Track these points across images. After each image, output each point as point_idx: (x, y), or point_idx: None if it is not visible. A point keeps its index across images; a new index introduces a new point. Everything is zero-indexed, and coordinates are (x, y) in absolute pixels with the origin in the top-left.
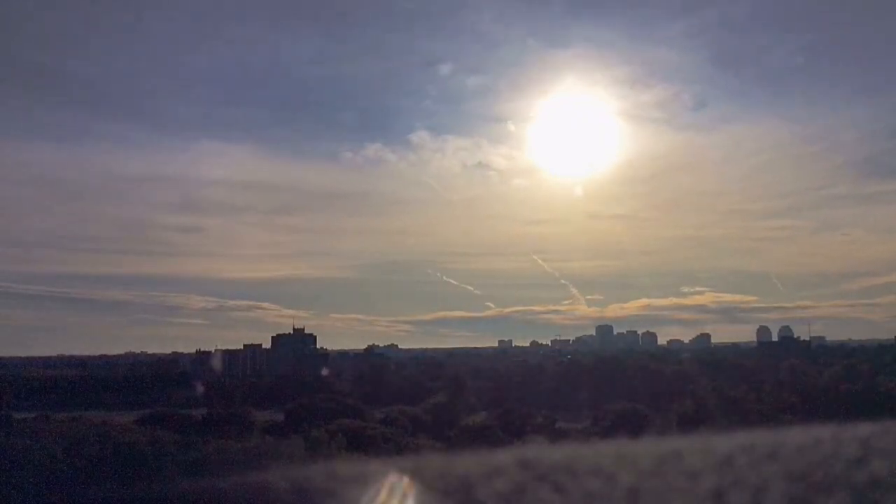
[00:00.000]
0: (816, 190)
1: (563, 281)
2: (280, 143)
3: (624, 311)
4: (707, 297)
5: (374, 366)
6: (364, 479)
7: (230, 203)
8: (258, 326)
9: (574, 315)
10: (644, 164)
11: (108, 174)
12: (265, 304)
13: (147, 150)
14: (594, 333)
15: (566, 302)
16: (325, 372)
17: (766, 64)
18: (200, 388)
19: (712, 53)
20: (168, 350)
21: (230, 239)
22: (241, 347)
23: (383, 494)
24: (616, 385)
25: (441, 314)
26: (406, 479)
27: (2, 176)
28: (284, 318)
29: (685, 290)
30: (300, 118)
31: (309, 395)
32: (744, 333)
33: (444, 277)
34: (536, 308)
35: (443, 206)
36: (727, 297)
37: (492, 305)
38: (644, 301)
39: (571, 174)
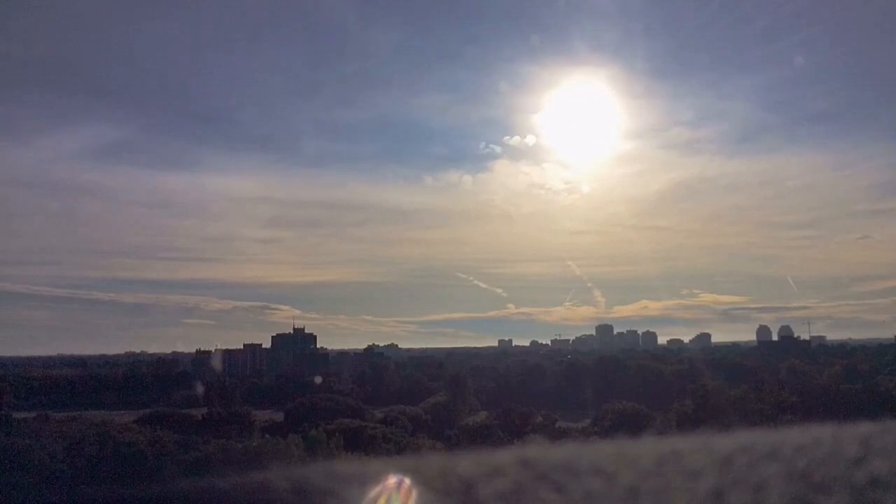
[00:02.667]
0: (839, 205)
1: (588, 284)
2: (375, 172)
3: (629, 311)
4: (715, 299)
5: (374, 366)
6: (364, 478)
7: (313, 218)
8: (268, 327)
9: (579, 315)
10: (691, 186)
11: (217, 196)
12: (278, 306)
13: (257, 176)
14: (594, 333)
15: (568, 304)
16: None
17: (808, 108)
18: (200, 388)
19: (764, 102)
20: (169, 350)
21: (299, 248)
22: (242, 347)
23: (383, 494)
24: (616, 385)
25: (447, 315)
26: (406, 479)
27: (128, 199)
28: (287, 319)
29: (696, 291)
30: (402, 152)
31: (309, 395)
32: (744, 333)
33: (474, 280)
34: (553, 309)
35: (500, 220)
36: (736, 299)
37: (513, 307)
38: (654, 302)
39: (624, 195)
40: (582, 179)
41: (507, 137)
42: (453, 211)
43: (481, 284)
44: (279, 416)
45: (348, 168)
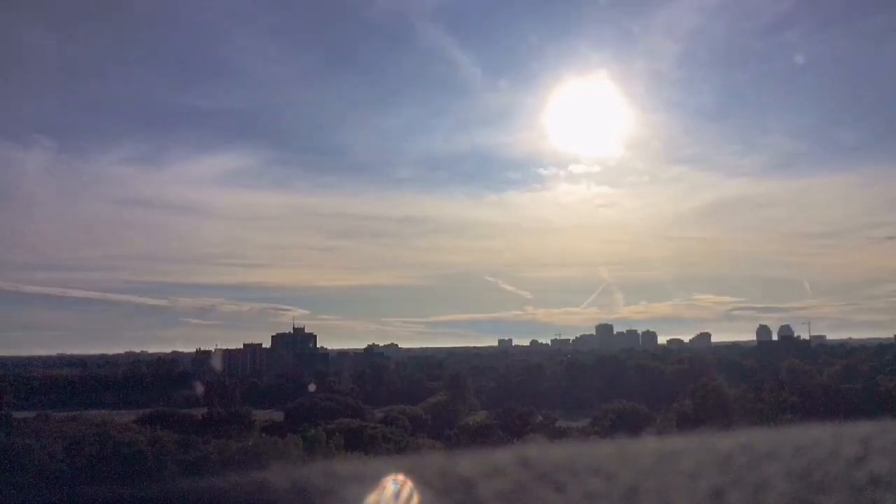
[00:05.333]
0: (860, 217)
1: (612, 287)
2: (446, 192)
3: (630, 311)
4: (716, 299)
5: (374, 365)
6: (364, 478)
7: (378, 230)
8: (280, 328)
9: (581, 316)
10: (729, 203)
11: (300, 210)
12: (290, 308)
13: (342, 195)
14: (594, 333)
15: (584, 306)
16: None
17: (838, 140)
18: (200, 388)
19: (799, 136)
20: (169, 349)
21: (350, 256)
22: (241, 347)
23: (383, 494)
24: (616, 385)
25: (458, 316)
26: (406, 479)
27: (214, 214)
28: (286, 319)
29: (695, 293)
30: (476, 177)
31: (308, 395)
32: (744, 333)
33: (501, 283)
34: (554, 310)
35: (545, 232)
36: (737, 299)
37: (532, 308)
38: (654, 303)
39: (666, 210)
40: (630, 197)
41: (574, 165)
42: (504, 223)
43: (508, 287)
44: (279, 416)
45: (424, 189)
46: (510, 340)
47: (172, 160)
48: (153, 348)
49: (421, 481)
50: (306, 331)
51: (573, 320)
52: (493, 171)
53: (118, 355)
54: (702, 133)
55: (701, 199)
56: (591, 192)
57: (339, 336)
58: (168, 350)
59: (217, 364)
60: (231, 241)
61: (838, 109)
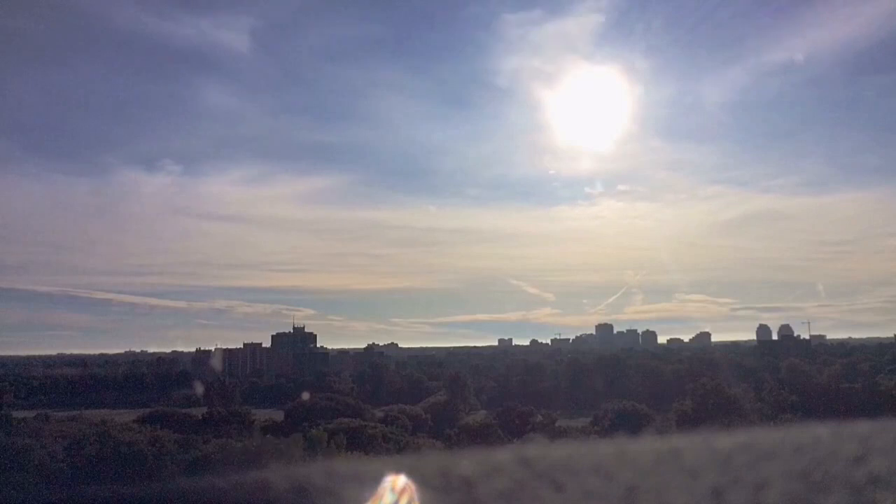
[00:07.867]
0: (875, 228)
1: (633, 289)
2: (501, 208)
3: (631, 311)
4: (716, 300)
5: (374, 365)
6: (364, 477)
7: (431, 240)
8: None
9: (582, 317)
10: (758, 215)
11: (362, 223)
12: (299, 309)
13: (406, 210)
14: (594, 333)
15: (599, 308)
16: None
17: (862, 163)
18: (200, 388)
19: (828, 161)
20: (168, 349)
21: (394, 262)
22: (242, 346)
23: (383, 493)
24: (616, 384)
25: (468, 317)
26: (404, 487)
27: (278, 227)
28: (286, 319)
29: (697, 293)
30: (531, 194)
31: (309, 395)
32: (744, 333)
33: (525, 286)
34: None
35: (581, 240)
36: (737, 300)
37: (549, 309)
38: (654, 304)
39: (698, 221)
40: (666, 211)
41: (621, 185)
42: (543, 233)
43: (531, 290)
44: (279, 416)
45: (484, 206)
46: (510, 340)
47: (272, 182)
48: (153, 347)
49: (421, 481)
50: (311, 331)
51: (574, 321)
52: (548, 191)
53: (118, 355)
54: (740, 158)
55: (731, 213)
56: (629, 206)
57: (343, 336)
58: (168, 349)
59: (217, 364)
60: (292, 250)
61: (863, 139)
